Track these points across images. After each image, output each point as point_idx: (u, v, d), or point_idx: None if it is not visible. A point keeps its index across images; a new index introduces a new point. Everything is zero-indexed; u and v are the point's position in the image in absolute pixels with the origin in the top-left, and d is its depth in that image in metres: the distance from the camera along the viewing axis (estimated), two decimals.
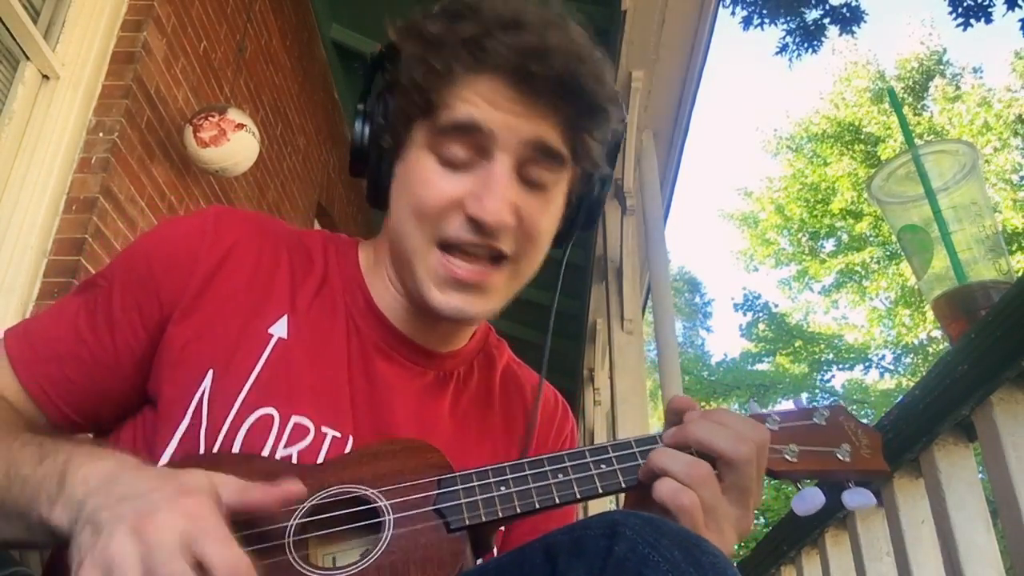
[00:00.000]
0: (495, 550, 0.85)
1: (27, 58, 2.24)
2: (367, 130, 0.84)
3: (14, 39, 2.17)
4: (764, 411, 0.81)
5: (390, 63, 0.83)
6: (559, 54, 0.76)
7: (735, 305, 16.76)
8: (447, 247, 0.80)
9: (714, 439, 0.70)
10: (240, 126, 2.58)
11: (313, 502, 0.69)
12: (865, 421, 0.85)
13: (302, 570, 0.65)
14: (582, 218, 0.90)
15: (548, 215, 0.83)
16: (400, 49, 0.81)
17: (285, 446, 0.76)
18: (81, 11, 2.37)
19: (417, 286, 0.82)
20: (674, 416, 0.77)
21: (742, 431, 0.71)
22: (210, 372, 0.78)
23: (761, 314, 16.93)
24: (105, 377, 0.81)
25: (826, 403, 0.85)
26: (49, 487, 0.64)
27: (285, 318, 0.83)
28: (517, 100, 0.77)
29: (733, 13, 6.43)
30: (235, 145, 2.57)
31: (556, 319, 0.94)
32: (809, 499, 0.75)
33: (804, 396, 0.86)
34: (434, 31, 0.78)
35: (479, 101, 0.77)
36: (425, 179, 0.79)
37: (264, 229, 0.89)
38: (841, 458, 0.77)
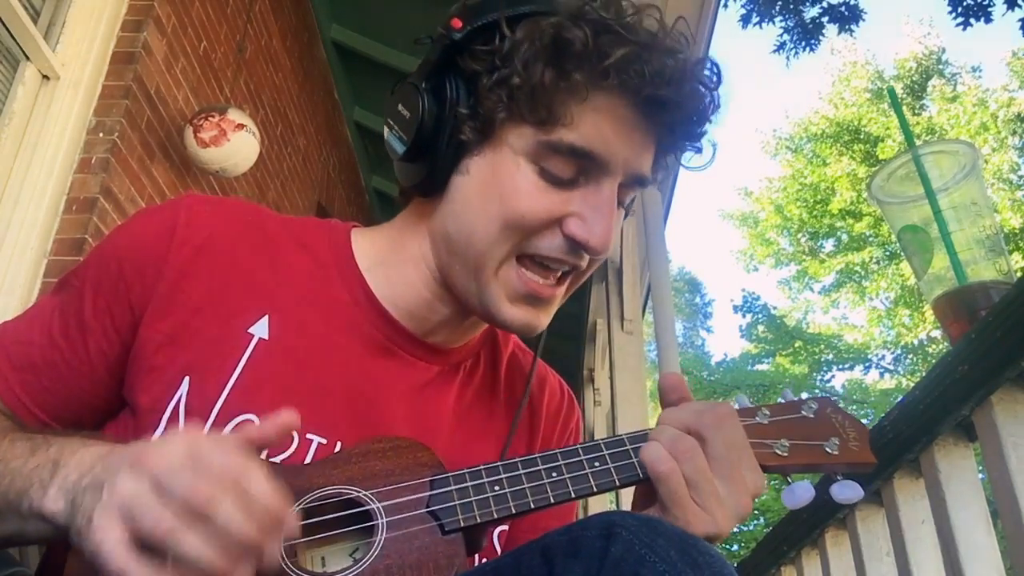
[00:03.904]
0: (498, 548, 0.85)
1: (27, 58, 2.24)
2: (438, 113, 0.76)
3: (14, 39, 2.17)
4: (753, 405, 0.82)
5: (484, 46, 0.75)
6: (690, 89, 0.75)
7: (734, 307, 16.76)
8: (523, 257, 0.78)
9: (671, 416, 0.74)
10: (240, 126, 2.58)
11: (303, 505, 0.68)
12: (864, 421, 0.85)
13: (294, 575, 0.64)
14: None
15: (619, 229, 0.83)
16: (511, 38, 0.74)
17: (268, 455, 0.73)
18: (81, 11, 2.37)
19: (484, 298, 0.78)
20: (666, 395, 0.79)
21: (699, 407, 0.74)
22: (186, 379, 0.74)
23: (760, 315, 16.93)
24: (81, 384, 0.78)
25: (813, 396, 0.85)
26: (42, 475, 0.62)
27: (266, 318, 0.78)
28: (636, 127, 0.76)
29: (726, 5, 6.42)
30: (235, 145, 2.57)
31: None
32: (799, 493, 0.75)
33: (804, 395, 0.86)
34: (576, 38, 0.72)
35: (604, 126, 0.74)
36: (525, 191, 0.75)
37: (243, 219, 0.84)
38: (830, 451, 0.78)
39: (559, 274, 0.80)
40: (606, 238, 0.76)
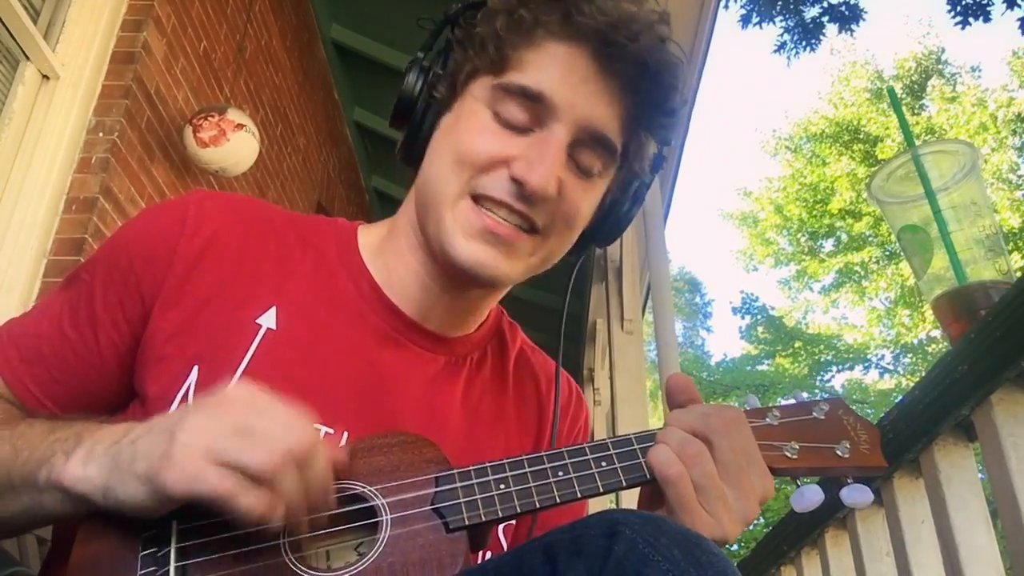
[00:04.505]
0: (504, 544, 0.85)
1: (27, 58, 2.23)
2: (421, 80, 0.82)
3: (14, 39, 2.17)
4: (764, 405, 0.81)
5: (467, 18, 0.82)
6: (648, 41, 0.76)
7: (733, 309, 16.77)
8: (479, 200, 0.78)
9: (678, 418, 0.74)
10: (240, 126, 2.58)
11: None
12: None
13: (298, 571, 0.64)
14: (607, 227, 0.88)
15: (588, 202, 0.82)
16: (484, 4, 0.81)
17: None
18: (81, 11, 2.37)
19: (441, 235, 0.79)
20: (674, 396, 0.78)
21: (707, 410, 0.73)
22: (195, 368, 0.76)
23: (759, 317, 16.93)
24: (91, 376, 0.79)
25: (826, 397, 0.85)
26: (65, 446, 0.64)
27: (274, 308, 0.80)
28: (591, 77, 0.77)
29: (727, 6, 6.42)
30: (235, 145, 2.57)
31: (555, 319, 0.94)
32: (808, 496, 0.75)
33: (804, 395, 0.86)
34: None
35: (553, 70, 0.77)
36: (476, 130, 0.78)
37: (251, 214, 0.86)
38: (840, 455, 0.77)
39: (518, 228, 0.79)
40: (544, 180, 0.76)
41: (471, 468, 0.71)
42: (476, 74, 0.80)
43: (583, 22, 0.75)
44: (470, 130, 0.78)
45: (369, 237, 0.90)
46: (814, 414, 0.81)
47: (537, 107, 0.77)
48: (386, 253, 0.87)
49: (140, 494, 0.60)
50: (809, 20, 6.71)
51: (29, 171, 2.19)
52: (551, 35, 0.77)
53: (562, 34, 0.76)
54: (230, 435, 0.59)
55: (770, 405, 0.81)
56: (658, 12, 0.78)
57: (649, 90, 0.79)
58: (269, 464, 0.59)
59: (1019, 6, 6.08)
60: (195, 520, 0.64)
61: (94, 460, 0.62)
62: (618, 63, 0.77)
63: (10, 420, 0.72)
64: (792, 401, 0.83)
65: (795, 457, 0.76)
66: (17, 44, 2.19)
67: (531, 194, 0.76)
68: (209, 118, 2.54)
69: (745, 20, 6.64)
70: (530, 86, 0.77)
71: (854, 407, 0.83)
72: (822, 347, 16.69)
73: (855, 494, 0.76)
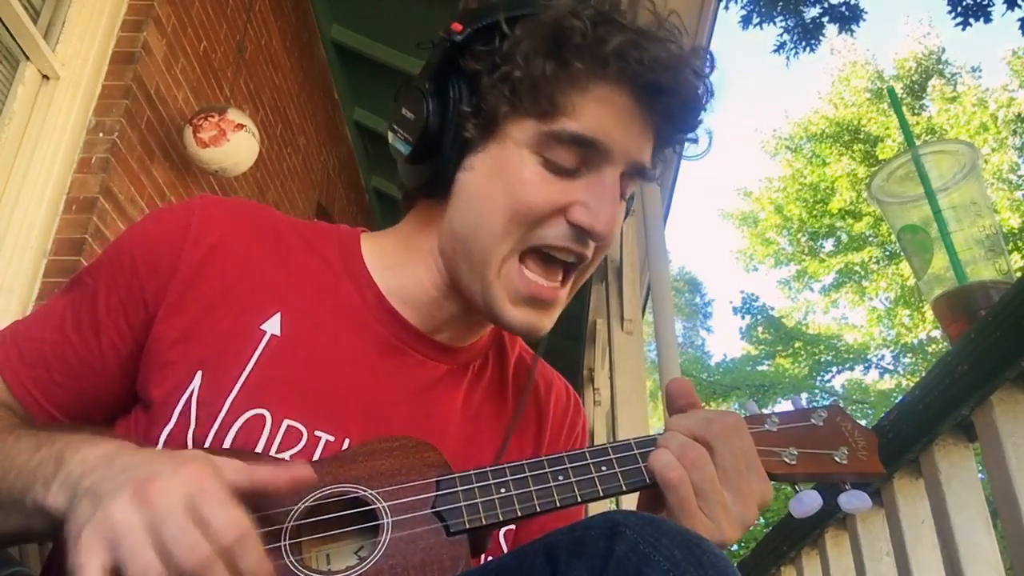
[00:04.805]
0: (504, 548, 0.85)
1: (27, 58, 2.24)
2: (442, 113, 0.78)
3: (14, 39, 2.17)
4: (763, 412, 0.81)
5: (485, 47, 0.77)
6: (685, 78, 0.77)
7: (734, 309, 16.75)
8: (529, 251, 0.78)
9: (678, 423, 0.74)
10: (240, 126, 2.58)
11: (308, 502, 0.68)
12: (863, 422, 0.85)
13: (299, 574, 0.64)
14: None
15: (621, 221, 0.84)
16: (512, 36, 0.76)
17: (277, 451, 0.73)
18: (81, 11, 2.37)
19: (488, 296, 0.79)
20: (673, 400, 0.79)
21: (708, 415, 0.74)
22: (199, 373, 0.75)
23: (759, 317, 16.93)
24: (92, 380, 0.79)
25: (824, 403, 0.85)
26: (45, 471, 0.63)
27: (279, 315, 0.80)
28: (634, 115, 0.77)
29: (727, 7, 6.43)
30: (235, 145, 2.57)
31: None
32: (807, 502, 0.75)
33: (804, 396, 0.86)
34: (575, 28, 0.74)
35: (604, 115, 0.76)
36: (529, 181, 0.76)
37: (255, 220, 0.86)
38: (838, 460, 0.78)
39: (561, 275, 0.81)
40: (610, 224, 0.77)
41: (472, 472, 0.71)
42: (514, 116, 0.77)
43: (632, 72, 0.75)
44: (523, 181, 0.76)
45: (374, 247, 0.89)
46: (812, 420, 0.81)
47: (588, 152, 0.76)
48: (397, 268, 0.86)
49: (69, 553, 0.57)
50: (809, 20, 6.72)
51: (29, 171, 2.18)
52: (595, 76, 0.75)
53: (606, 75, 0.75)
54: (136, 531, 0.53)
55: (769, 411, 0.81)
56: (692, 47, 0.78)
57: (682, 119, 0.81)
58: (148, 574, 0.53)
59: (1019, 6, 6.08)
60: None
61: (65, 491, 0.60)
62: (658, 100, 0.77)
63: (1, 427, 0.71)
64: (791, 407, 0.83)
65: (794, 463, 0.77)
66: (17, 44, 2.19)
67: (596, 238, 0.77)
68: (209, 118, 2.54)
69: (745, 21, 6.65)
70: (584, 134, 0.75)
71: (854, 407, 0.84)
72: (822, 347, 16.68)
73: (853, 500, 0.76)
